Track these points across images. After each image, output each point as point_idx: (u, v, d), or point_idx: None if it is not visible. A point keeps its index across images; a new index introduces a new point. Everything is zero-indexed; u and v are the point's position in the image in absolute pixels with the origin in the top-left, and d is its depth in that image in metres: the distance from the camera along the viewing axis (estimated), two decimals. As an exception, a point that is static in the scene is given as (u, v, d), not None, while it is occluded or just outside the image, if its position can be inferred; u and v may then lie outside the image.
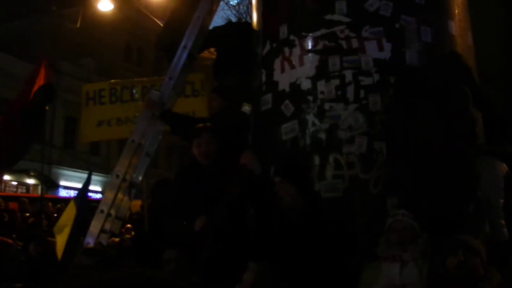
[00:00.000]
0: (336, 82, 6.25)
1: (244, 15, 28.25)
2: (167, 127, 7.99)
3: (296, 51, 6.60)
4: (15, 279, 7.43)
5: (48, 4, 39.30)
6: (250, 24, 7.95)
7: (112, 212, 7.48)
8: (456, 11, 6.90)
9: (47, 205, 18.39)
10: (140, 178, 7.72)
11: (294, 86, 6.52)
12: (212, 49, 11.36)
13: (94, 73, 39.83)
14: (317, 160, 6.19)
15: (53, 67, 10.45)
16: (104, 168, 38.97)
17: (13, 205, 17.96)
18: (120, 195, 7.58)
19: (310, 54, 6.49)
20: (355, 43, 6.32)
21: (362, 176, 5.96)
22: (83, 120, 10.09)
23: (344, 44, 6.34)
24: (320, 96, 6.29)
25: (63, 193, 36.65)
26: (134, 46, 48.14)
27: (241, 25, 11.22)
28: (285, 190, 5.69)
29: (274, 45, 6.89)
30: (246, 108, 6.77)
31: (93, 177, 39.29)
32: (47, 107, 10.43)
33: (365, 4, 6.41)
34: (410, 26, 6.41)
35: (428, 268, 4.94)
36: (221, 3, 23.11)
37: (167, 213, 7.08)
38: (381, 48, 6.30)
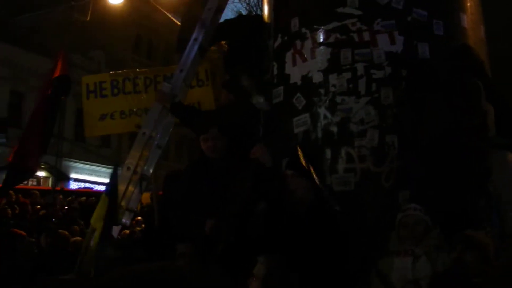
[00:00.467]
0: (348, 75, 6.24)
1: (255, 8, 28.23)
2: (177, 119, 7.98)
3: (308, 44, 6.59)
4: (27, 271, 7.46)
5: (58, -3, 39.40)
6: (261, 17, 7.93)
7: (123, 204, 7.48)
8: (468, 4, 6.87)
9: (58, 197, 18.47)
10: (151, 170, 7.73)
11: (306, 79, 6.51)
12: (223, 42, 11.33)
13: (104, 65, 39.88)
14: (328, 153, 6.18)
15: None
16: (115, 161, 39.04)
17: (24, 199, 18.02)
18: (131, 187, 7.59)
19: (321, 47, 6.48)
20: (367, 36, 6.31)
21: (374, 169, 5.95)
22: (85, 114, 9.80)
23: (356, 37, 6.33)
24: (331, 89, 6.28)
25: (73, 185, 36.74)
26: (144, 39, 48.13)
27: (252, 18, 11.17)
28: (297, 184, 5.68)
29: (286, 38, 6.88)
30: (260, 101, 6.75)
31: (104, 170, 39.57)
32: (63, 98, 10.42)
33: (377, -3, 6.40)
34: (422, 19, 6.38)
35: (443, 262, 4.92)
36: (232, -4, 23.13)
37: (176, 207, 7.08)
38: (393, 41, 6.28)
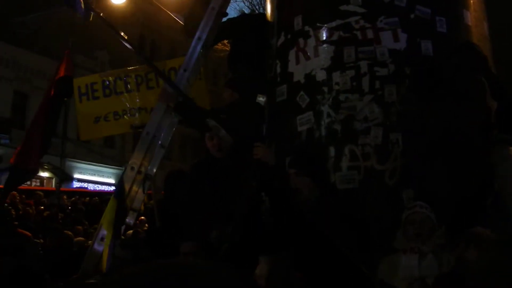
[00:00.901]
0: (351, 73, 6.23)
1: (257, 7, 28.21)
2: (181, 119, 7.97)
3: (311, 42, 6.58)
4: (35, 272, 7.46)
5: (61, -2, 39.35)
6: (264, 15, 7.92)
7: (127, 204, 7.48)
8: (471, 1, 6.86)
9: (62, 198, 18.46)
10: (155, 170, 7.73)
11: (309, 77, 6.51)
12: (225, 41, 11.29)
13: (108, 65, 39.89)
14: (332, 151, 6.17)
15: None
16: (119, 161, 39.10)
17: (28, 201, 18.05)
18: (135, 187, 7.59)
19: (325, 45, 6.47)
20: (370, 34, 6.29)
21: (378, 167, 5.93)
22: (79, 117, 9.66)
23: (359, 34, 6.32)
24: (335, 87, 6.27)
25: (77, 186, 36.78)
26: (147, 39, 48.14)
27: (255, 16, 11.17)
28: (301, 182, 5.67)
29: (289, 36, 6.87)
30: (261, 99, 6.74)
31: (108, 170, 39.62)
32: (65, 99, 10.39)
33: (380, -5, 6.39)
34: (425, 16, 6.37)
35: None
36: (235, -5, 23.12)
37: (179, 206, 7.08)
38: (396, 39, 6.26)
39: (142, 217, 13.70)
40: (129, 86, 9.38)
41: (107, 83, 9.49)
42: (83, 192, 26.82)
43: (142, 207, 10.77)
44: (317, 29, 6.56)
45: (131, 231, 9.88)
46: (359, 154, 6.03)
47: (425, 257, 4.97)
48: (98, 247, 7.33)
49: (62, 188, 22.16)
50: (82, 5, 8.44)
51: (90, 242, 8.43)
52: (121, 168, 35.41)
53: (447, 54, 6.31)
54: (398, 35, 6.26)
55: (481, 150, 5.94)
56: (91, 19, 8.80)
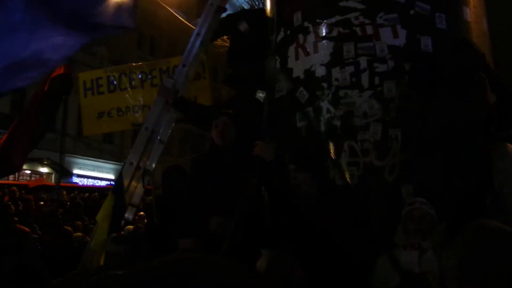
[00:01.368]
0: (350, 69, 6.22)
1: (257, 2, 28.18)
2: (181, 115, 7.97)
3: (311, 38, 6.58)
4: (34, 268, 7.46)
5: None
6: (263, 11, 7.90)
7: (126, 199, 7.49)
8: (471, -2, 6.86)
9: (62, 193, 18.50)
10: (154, 165, 7.73)
11: (309, 73, 6.50)
12: (225, 37, 11.26)
13: (107, 61, 39.89)
14: (331, 147, 6.16)
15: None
16: (118, 156, 39.13)
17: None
18: (134, 183, 7.59)
19: (324, 41, 6.47)
20: (369, 30, 6.29)
21: (377, 163, 5.93)
22: (83, 112, 9.69)
23: (358, 31, 6.31)
24: (334, 83, 6.27)
25: (76, 181, 36.81)
26: (146, 35, 48.17)
27: (255, 12, 11.16)
28: (301, 178, 5.68)
29: (288, 32, 6.87)
30: (260, 95, 6.73)
31: (107, 165, 39.62)
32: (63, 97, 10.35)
33: (379, -9, 6.38)
34: (425, 12, 6.36)
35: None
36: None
37: (179, 202, 7.08)
38: (396, 35, 6.25)
39: (142, 213, 13.73)
40: (133, 82, 9.39)
41: (112, 78, 9.49)
42: (82, 188, 26.87)
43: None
44: (317, 25, 6.56)
45: (130, 226, 9.89)
46: (359, 150, 6.02)
47: (425, 253, 4.97)
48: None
49: (62, 183, 22.22)
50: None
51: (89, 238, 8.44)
52: (120, 163, 35.41)
53: (446, 50, 6.31)
54: (397, 31, 6.26)
55: (481, 147, 5.94)
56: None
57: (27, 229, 8.98)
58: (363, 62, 6.20)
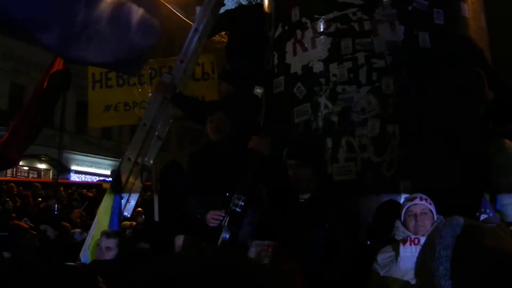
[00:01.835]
0: (348, 64, 6.23)
1: (254, -1, 28.12)
2: (180, 112, 7.97)
3: (308, 33, 6.58)
4: (31, 264, 7.47)
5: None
6: (261, 6, 7.90)
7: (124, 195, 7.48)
8: (469, -7, 6.86)
9: (60, 190, 18.51)
10: (152, 161, 7.72)
11: (307, 68, 6.51)
12: (223, 33, 11.24)
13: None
14: (329, 142, 6.17)
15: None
16: (116, 153, 39.06)
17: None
18: (131, 179, 7.58)
19: (322, 37, 6.47)
20: (367, 26, 6.30)
21: (375, 159, 5.95)
22: (90, 104, 9.71)
23: (356, 26, 6.32)
24: (332, 78, 6.28)
25: (74, 177, 36.76)
26: (145, 30, 48.07)
27: (253, 7, 11.15)
28: (301, 173, 5.67)
29: (286, 28, 6.87)
30: (258, 91, 6.73)
31: (105, 162, 39.54)
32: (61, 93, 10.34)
33: (377, -14, 6.38)
34: (423, 8, 6.37)
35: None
36: (232, -14, 23.04)
37: (178, 196, 7.08)
38: (393, 31, 6.26)
39: (139, 209, 13.72)
40: (142, 78, 9.38)
41: (121, 73, 9.49)
42: (80, 184, 26.86)
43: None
44: (315, 21, 6.56)
45: (126, 222, 9.89)
46: (356, 146, 6.04)
47: (425, 248, 4.97)
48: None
49: (60, 180, 22.26)
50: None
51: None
52: (118, 159, 35.37)
53: (444, 46, 6.31)
54: (395, 27, 6.26)
55: (479, 142, 5.94)
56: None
57: (25, 225, 9.00)
58: (361, 57, 6.21)
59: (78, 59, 7.29)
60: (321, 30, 6.49)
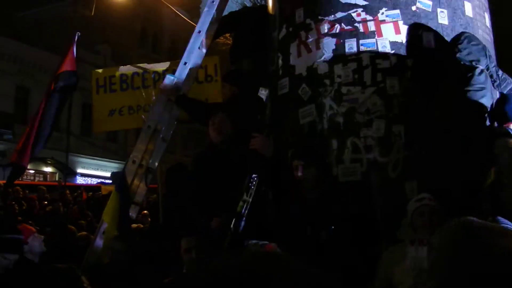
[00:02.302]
0: (353, 65, 6.22)
1: (259, 0, 28.16)
2: (185, 115, 7.98)
3: (313, 35, 6.57)
4: (37, 267, 7.48)
5: (62, -8, 39.46)
6: (265, 8, 7.89)
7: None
8: (473, -7, 6.84)
9: (65, 193, 18.53)
10: (157, 163, 7.73)
11: (311, 70, 6.49)
12: (227, 35, 11.25)
13: (110, 59, 39.94)
14: (334, 144, 6.16)
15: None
16: (122, 155, 39.12)
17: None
18: (136, 181, 7.59)
19: (326, 38, 6.46)
20: (371, 26, 6.28)
21: (380, 159, 5.93)
22: (95, 109, 9.75)
23: (360, 27, 6.30)
24: (337, 79, 6.26)
25: (80, 180, 36.81)
26: (149, 33, 48.20)
27: (257, 9, 11.14)
28: (307, 173, 5.67)
29: (291, 29, 6.86)
30: (263, 93, 6.73)
31: (110, 164, 39.62)
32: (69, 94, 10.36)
33: (381, -13, 6.37)
34: (427, 8, 6.36)
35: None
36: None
37: (183, 199, 7.09)
38: (398, 31, 6.25)
39: (145, 211, 13.74)
40: (146, 82, 9.40)
41: (125, 77, 9.52)
42: (85, 186, 26.87)
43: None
44: (319, 22, 6.55)
45: (134, 225, 9.90)
46: (362, 147, 6.02)
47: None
48: (100, 240, 7.35)
49: (67, 183, 22.29)
50: None
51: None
52: (124, 162, 35.42)
53: (448, 46, 6.30)
54: (399, 28, 6.25)
55: (484, 142, 5.92)
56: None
57: (33, 228, 9.02)
58: (365, 58, 6.20)
59: None
60: (325, 31, 6.48)
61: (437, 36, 6.28)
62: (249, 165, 6.01)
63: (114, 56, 40.99)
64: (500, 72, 6.44)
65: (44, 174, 36.29)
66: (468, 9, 6.65)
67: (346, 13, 6.39)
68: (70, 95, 10.55)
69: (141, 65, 9.96)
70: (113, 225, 7.39)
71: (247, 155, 6.07)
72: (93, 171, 39.48)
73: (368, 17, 6.31)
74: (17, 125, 30.94)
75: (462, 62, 6.13)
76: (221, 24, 8.35)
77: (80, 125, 36.67)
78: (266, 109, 7.00)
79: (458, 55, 6.18)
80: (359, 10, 6.34)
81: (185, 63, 7.97)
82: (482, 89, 6.08)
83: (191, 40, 8.05)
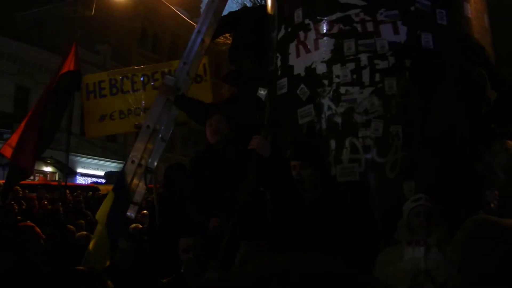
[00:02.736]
0: (351, 65, 6.22)
1: (259, 0, 28.16)
2: (184, 116, 8.00)
3: (311, 35, 6.58)
4: (36, 266, 7.48)
5: (62, -8, 39.46)
6: (264, 8, 7.90)
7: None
8: (472, -7, 6.85)
9: (65, 192, 18.54)
10: (156, 163, 7.74)
11: (310, 70, 6.50)
12: (227, 35, 11.26)
13: (110, 59, 39.96)
14: (333, 144, 6.17)
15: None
16: (121, 155, 39.16)
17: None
18: (135, 181, 7.60)
19: (325, 38, 6.47)
20: (370, 27, 6.28)
21: (378, 159, 5.93)
22: (86, 115, 9.76)
23: (359, 27, 6.31)
24: (335, 80, 6.27)
25: (80, 180, 36.83)
26: (149, 33, 48.20)
27: (257, 9, 11.15)
28: (305, 173, 5.68)
29: (289, 29, 6.87)
30: (262, 93, 6.75)
31: (110, 164, 39.64)
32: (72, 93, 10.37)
33: (380, -13, 6.38)
34: (426, 8, 6.36)
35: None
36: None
37: (181, 199, 7.10)
38: (396, 32, 6.25)
39: (145, 211, 13.74)
40: (135, 85, 9.43)
41: (114, 81, 9.55)
42: (85, 186, 26.89)
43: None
44: (317, 22, 6.56)
45: (134, 224, 9.91)
46: (360, 147, 6.03)
47: (430, 249, 4.97)
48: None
49: (69, 183, 22.28)
50: None
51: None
52: (123, 162, 35.44)
53: (447, 46, 6.30)
54: (398, 28, 6.26)
55: (482, 143, 5.93)
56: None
57: (32, 224, 9.02)
58: (364, 58, 6.20)
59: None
60: (324, 31, 6.49)
61: (436, 36, 6.28)
62: (247, 165, 6.01)
63: (114, 56, 41.02)
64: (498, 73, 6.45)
65: (44, 173, 36.29)
66: (467, 10, 6.65)
67: (344, 14, 6.39)
68: (73, 95, 10.57)
69: (129, 68, 10.02)
70: (102, 224, 7.40)
71: (245, 155, 6.08)
72: (92, 171, 39.51)
73: (367, 17, 6.30)
74: (17, 125, 30.78)
75: (460, 64, 6.14)
76: (220, 24, 8.36)
77: (80, 125, 36.53)
78: (265, 109, 7.01)
79: (456, 56, 6.18)
80: (358, 10, 6.34)
81: (185, 63, 7.98)
82: (478, 89, 6.09)
83: (191, 40, 8.06)
